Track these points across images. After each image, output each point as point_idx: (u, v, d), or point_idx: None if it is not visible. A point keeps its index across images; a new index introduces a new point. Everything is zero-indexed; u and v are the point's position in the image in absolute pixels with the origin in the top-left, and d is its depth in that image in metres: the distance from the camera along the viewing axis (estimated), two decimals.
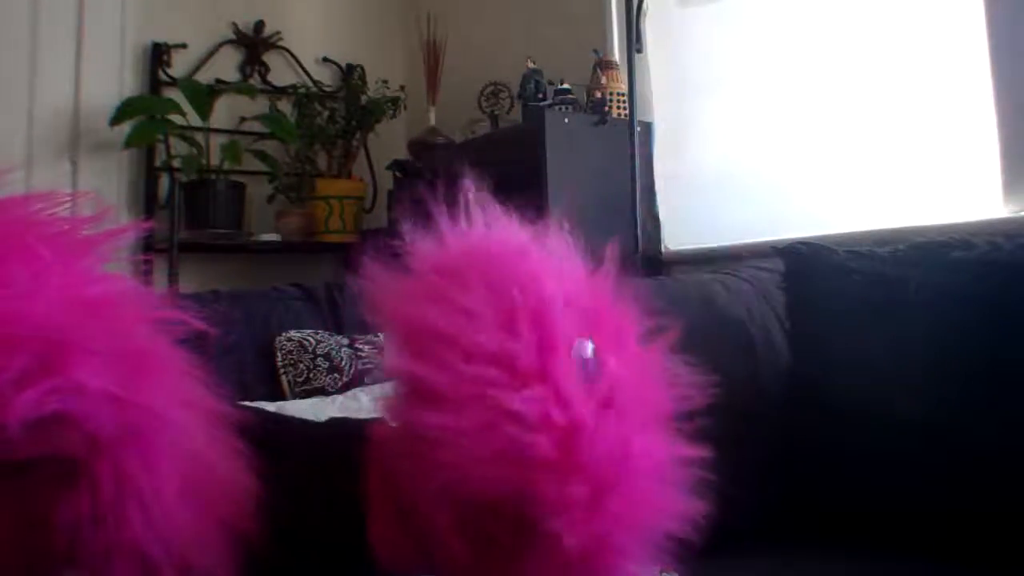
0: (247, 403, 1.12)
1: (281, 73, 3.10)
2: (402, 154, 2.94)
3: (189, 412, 0.65)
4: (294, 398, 1.27)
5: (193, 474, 0.64)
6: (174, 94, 2.79)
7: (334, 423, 0.99)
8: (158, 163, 2.82)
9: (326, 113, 2.95)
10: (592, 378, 0.68)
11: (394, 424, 0.74)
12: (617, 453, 0.66)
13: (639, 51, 2.22)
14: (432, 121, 2.88)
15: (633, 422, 0.68)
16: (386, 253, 0.78)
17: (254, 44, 3.06)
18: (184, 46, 2.94)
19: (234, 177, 2.79)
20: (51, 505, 0.57)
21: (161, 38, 2.90)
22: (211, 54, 2.99)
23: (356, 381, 1.30)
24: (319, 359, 1.31)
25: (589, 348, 0.69)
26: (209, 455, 0.66)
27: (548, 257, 0.76)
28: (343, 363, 1.31)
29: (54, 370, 0.55)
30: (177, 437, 0.63)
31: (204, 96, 2.72)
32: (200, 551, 0.63)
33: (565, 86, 2.33)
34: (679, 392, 0.76)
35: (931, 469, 1.17)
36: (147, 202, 2.82)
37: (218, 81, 2.93)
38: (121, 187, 2.78)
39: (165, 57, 2.90)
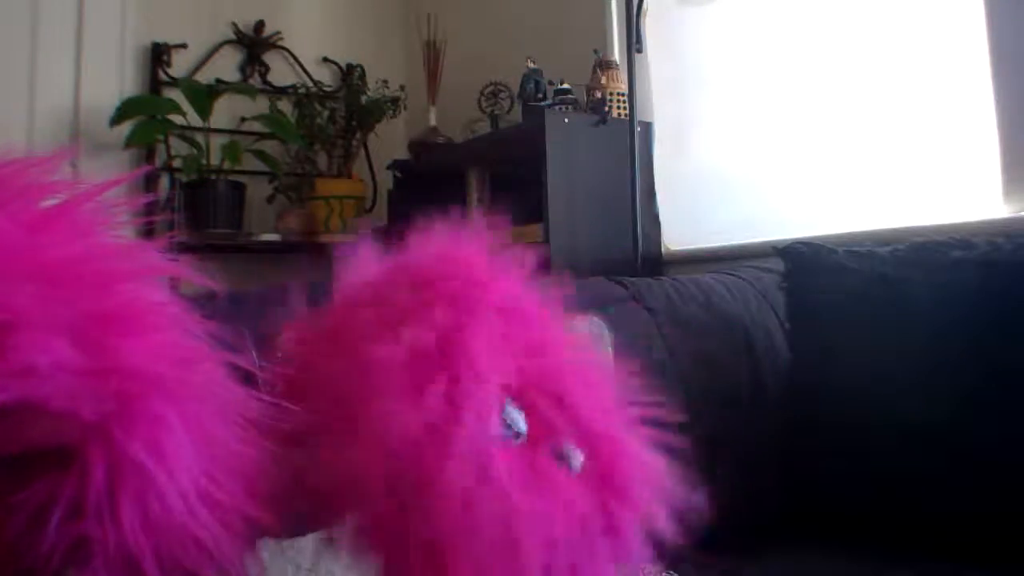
0: None
1: (281, 73, 3.10)
2: (402, 154, 2.95)
3: (192, 372, 0.56)
4: None
5: (208, 454, 0.54)
6: (174, 94, 2.79)
7: None
8: (158, 163, 2.82)
9: (326, 113, 2.95)
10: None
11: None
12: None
13: (639, 51, 2.22)
14: (432, 121, 2.88)
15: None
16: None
17: (254, 44, 3.06)
18: (184, 46, 2.94)
19: (234, 177, 2.79)
20: (38, 497, 0.48)
21: (161, 38, 2.90)
22: (211, 54, 2.99)
23: None
24: None
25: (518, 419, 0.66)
26: (221, 427, 0.57)
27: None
28: None
29: None
30: (185, 406, 0.54)
31: (204, 96, 2.72)
32: (207, 560, 0.54)
33: (565, 86, 2.33)
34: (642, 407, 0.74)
35: (930, 468, 1.17)
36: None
37: (218, 81, 2.93)
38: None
39: (165, 57, 2.90)
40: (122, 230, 0.59)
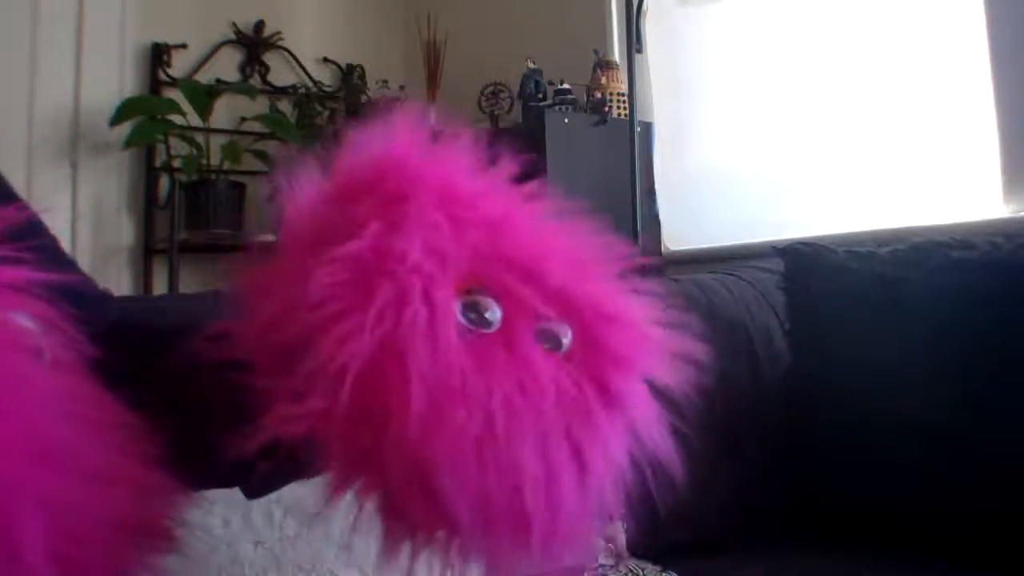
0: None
1: (281, 73, 3.10)
2: None
3: (74, 429, 0.52)
4: None
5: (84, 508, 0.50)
6: (174, 94, 2.79)
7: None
8: (158, 163, 2.82)
9: (326, 113, 2.95)
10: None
11: None
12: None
13: (639, 51, 2.21)
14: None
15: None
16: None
17: (254, 44, 3.06)
18: (184, 46, 2.94)
19: (234, 177, 2.79)
20: None
21: (161, 38, 2.90)
22: (211, 54, 2.99)
23: None
24: None
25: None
26: (104, 473, 0.52)
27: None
28: None
29: None
30: (47, 493, 0.48)
31: (204, 96, 2.72)
32: None
33: (565, 86, 2.33)
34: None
35: (931, 469, 1.17)
36: (147, 202, 2.82)
37: (218, 81, 2.93)
38: (121, 187, 2.78)
39: (165, 57, 2.90)
40: None
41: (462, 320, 0.57)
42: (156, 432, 0.57)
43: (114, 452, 0.54)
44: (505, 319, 0.58)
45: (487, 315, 0.58)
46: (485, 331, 0.57)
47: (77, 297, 0.58)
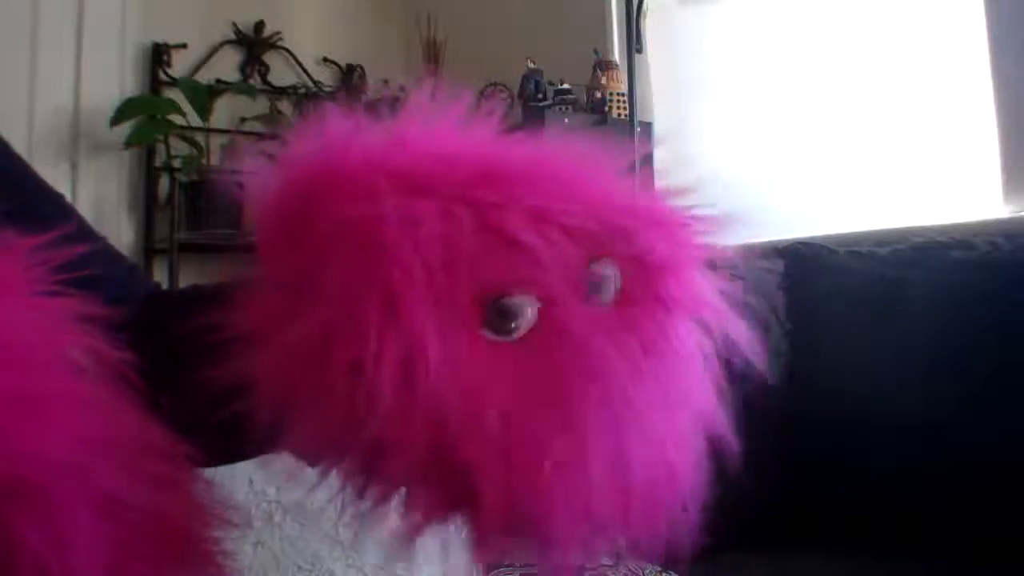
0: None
1: (281, 73, 3.10)
2: None
3: (112, 453, 0.50)
4: None
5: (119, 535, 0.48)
6: (174, 94, 2.79)
7: None
8: (158, 163, 2.82)
9: None
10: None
11: None
12: None
13: (639, 51, 2.22)
14: None
15: None
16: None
17: (254, 44, 3.06)
18: (184, 46, 2.94)
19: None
20: None
21: (161, 38, 2.90)
22: (211, 54, 2.99)
23: None
24: None
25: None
26: (134, 495, 0.50)
27: None
28: None
29: None
30: (97, 491, 0.48)
31: (204, 96, 2.72)
32: None
33: (565, 86, 2.33)
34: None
35: (931, 469, 1.17)
36: (147, 202, 2.82)
37: (218, 81, 2.93)
38: (121, 187, 2.78)
39: (165, 57, 2.90)
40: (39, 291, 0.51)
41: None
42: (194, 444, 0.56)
43: (159, 481, 0.53)
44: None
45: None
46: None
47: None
